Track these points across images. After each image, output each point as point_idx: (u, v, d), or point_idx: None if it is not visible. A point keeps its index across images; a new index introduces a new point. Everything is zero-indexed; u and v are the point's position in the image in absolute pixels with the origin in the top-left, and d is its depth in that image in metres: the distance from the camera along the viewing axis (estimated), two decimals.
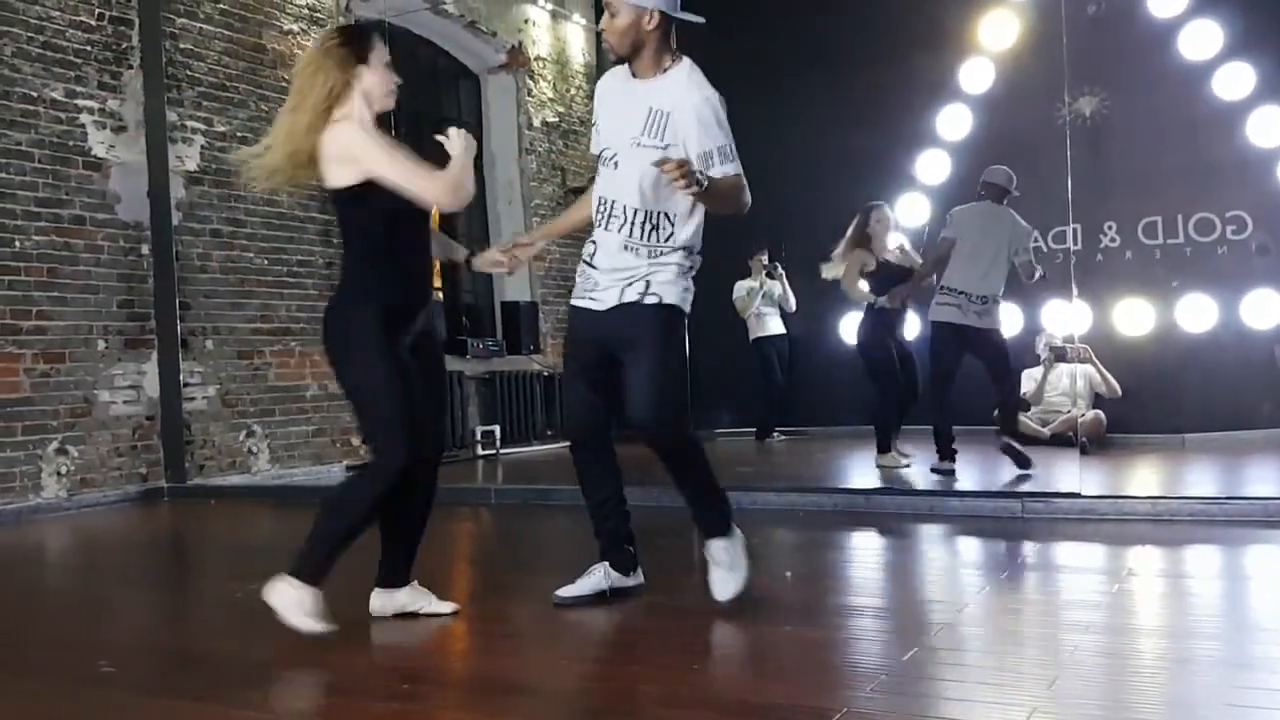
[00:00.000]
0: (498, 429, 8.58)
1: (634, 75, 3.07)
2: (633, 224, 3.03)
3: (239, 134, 7.19)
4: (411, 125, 9.17)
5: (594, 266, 3.15)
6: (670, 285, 3.07)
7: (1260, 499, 4.63)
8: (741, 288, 8.68)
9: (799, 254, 8.67)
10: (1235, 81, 7.67)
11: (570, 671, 2.62)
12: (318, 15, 7.81)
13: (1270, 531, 4.15)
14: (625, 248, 3.06)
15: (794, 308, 8.71)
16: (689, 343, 6.98)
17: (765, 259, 8.60)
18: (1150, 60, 7.81)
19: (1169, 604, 3.24)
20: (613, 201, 3.07)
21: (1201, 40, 7.77)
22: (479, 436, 8.48)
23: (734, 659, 2.57)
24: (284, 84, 7.48)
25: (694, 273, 3.17)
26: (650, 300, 3.05)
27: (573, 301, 3.22)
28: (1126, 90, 7.85)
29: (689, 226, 3.10)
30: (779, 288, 8.57)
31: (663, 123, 2.97)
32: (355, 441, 7.79)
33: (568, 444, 3.35)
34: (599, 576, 3.25)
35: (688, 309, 3.16)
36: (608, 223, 3.09)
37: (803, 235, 8.40)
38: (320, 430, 7.60)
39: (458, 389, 8.49)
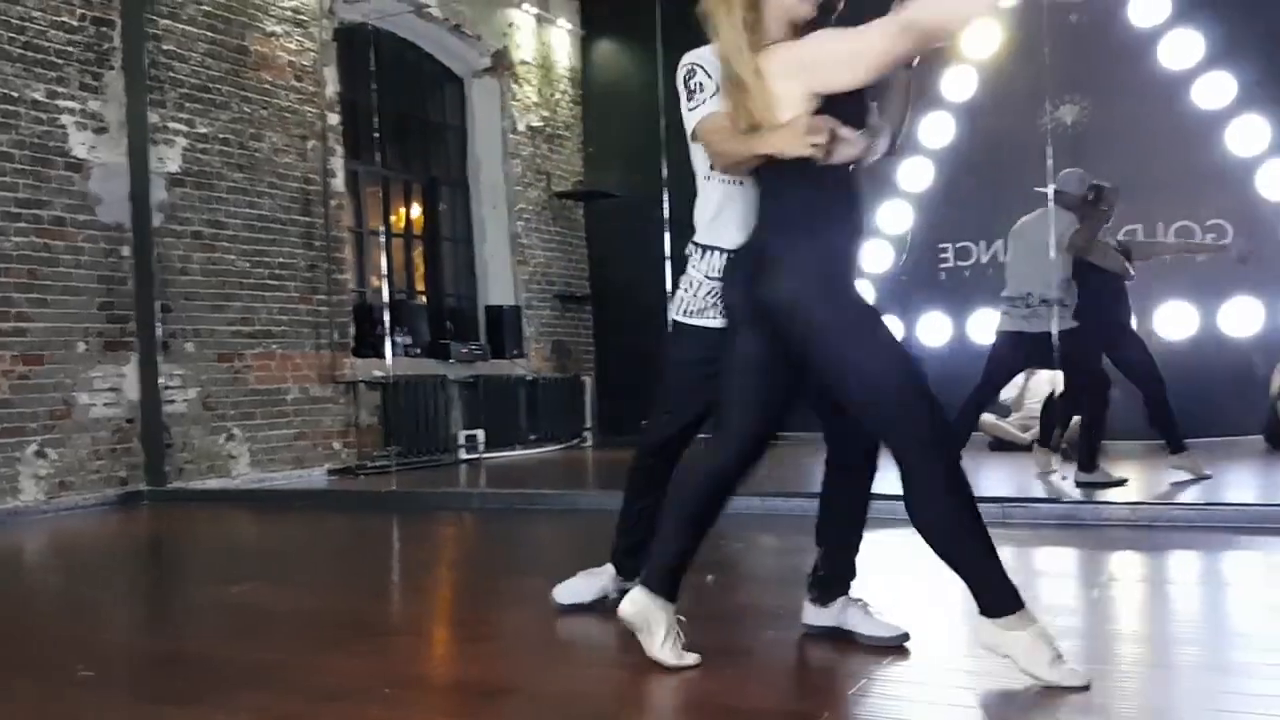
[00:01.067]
0: (481, 433, 8.57)
1: None
2: None
3: (221, 136, 7.16)
4: (395, 128, 9.17)
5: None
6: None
7: (1239, 505, 4.67)
8: None
9: None
10: (1215, 90, 7.74)
11: (555, 675, 2.61)
12: (301, 17, 7.79)
13: (1249, 537, 4.18)
14: None
15: None
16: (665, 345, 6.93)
17: None
18: (1131, 69, 7.88)
19: (1149, 609, 3.26)
20: None
21: (1182, 49, 7.84)
22: (462, 440, 8.46)
23: (719, 664, 2.57)
24: (267, 86, 7.48)
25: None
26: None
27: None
28: (1108, 98, 7.91)
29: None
30: None
31: None
32: (336, 445, 7.77)
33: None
34: (606, 580, 3.16)
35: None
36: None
37: None
38: (301, 434, 7.57)
39: (441, 392, 8.47)
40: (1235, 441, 7.25)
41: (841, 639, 2.68)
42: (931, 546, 2.37)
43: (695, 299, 2.87)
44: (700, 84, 2.70)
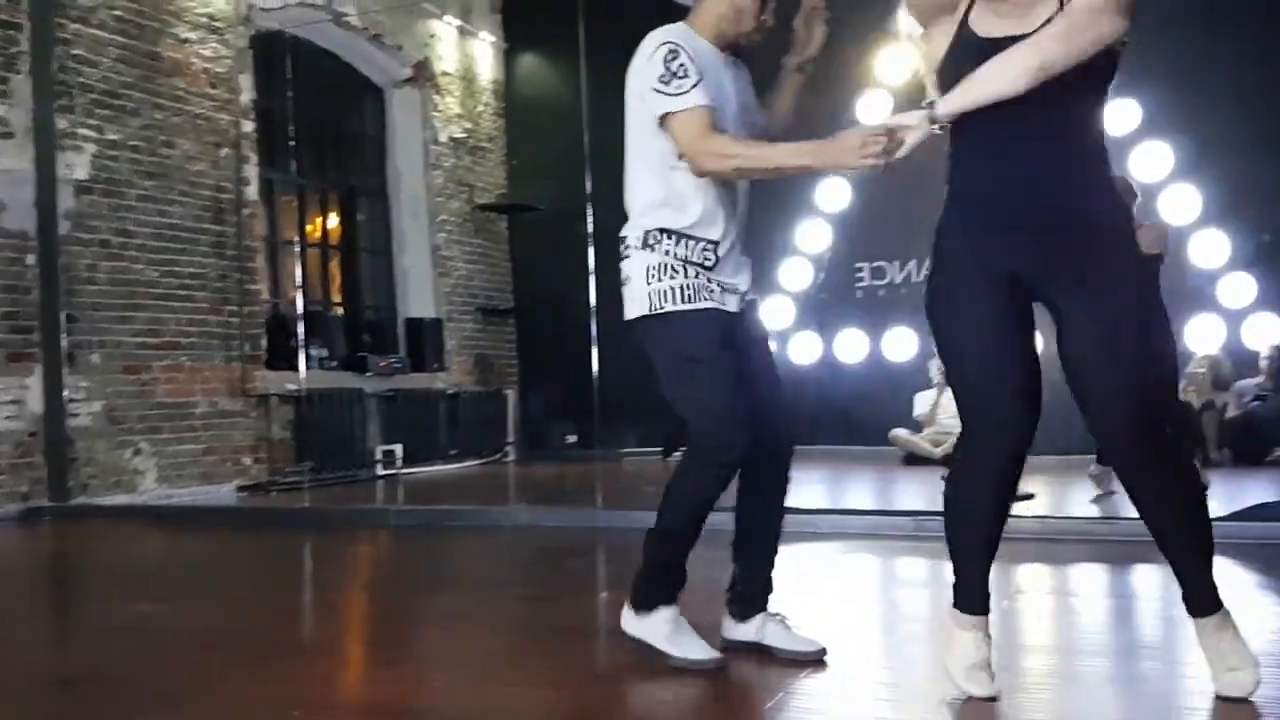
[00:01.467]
0: (399, 448, 8.44)
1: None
2: None
3: (131, 143, 6.97)
4: (313, 136, 9.03)
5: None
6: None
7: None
8: None
9: None
10: (1123, 116, 8.01)
11: (470, 696, 2.58)
12: (216, 24, 7.63)
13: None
14: None
15: None
16: (595, 358, 6.89)
17: None
18: None
19: (1056, 622, 3.34)
20: None
21: None
22: (379, 456, 8.32)
23: (636, 681, 2.56)
24: (180, 92, 7.30)
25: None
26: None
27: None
28: None
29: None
30: None
31: None
32: (247, 461, 7.59)
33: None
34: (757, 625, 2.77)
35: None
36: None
37: None
38: (210, 449, 7.37)
39: (357, 406, 8.33)
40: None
41: (760, 653, 2.69)
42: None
43: (690, 285, 2.59)
44: (684, 67, 2.54)
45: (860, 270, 8.96)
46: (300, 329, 7.86)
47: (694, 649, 2.61)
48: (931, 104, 2.30)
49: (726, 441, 2.54)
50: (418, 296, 9.60)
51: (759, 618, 2.73)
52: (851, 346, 8.95)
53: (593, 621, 3.35)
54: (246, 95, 7.81)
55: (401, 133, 9.65)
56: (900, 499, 6.07)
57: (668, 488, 2.66)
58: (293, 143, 8.23)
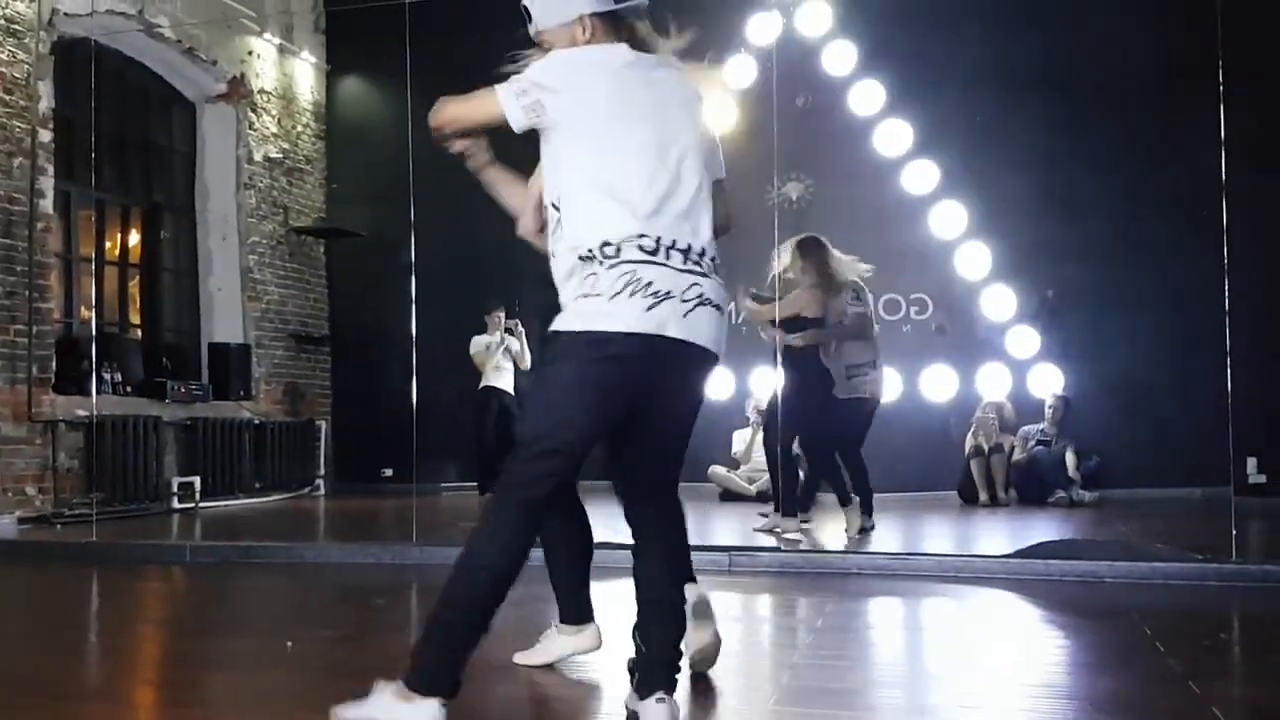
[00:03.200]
0: (198, 480, 8.01)
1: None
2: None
3: None
4: (116, 149, 8.55)
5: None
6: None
7: (936, 555, 5.07)
8: (479, 342, 8.59)
9: (533, 311, 8.74)
10: (921, 176, 8.53)
11: None
12: (15, 27, 7.15)
13: (945, 585, 4.55)
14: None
15: (529, 365, 8.74)
16: (415, 394, 6.71)
17: (503, 315, 8.59)
18: (850, 152, 8.55)
19: (854, 653, 3.47)
20: None
21: (893, 137, 8.60)
22: (175, 488, 7.86)
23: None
24: None
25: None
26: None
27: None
28: (828, 178, 8.56)
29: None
30: (516, 344, 8.60)
31: None
32: (30, 490, 7.04)
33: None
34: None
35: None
36: None
37: (536, 293, 8.47)
38: None
39: (153, 435, 7.87)
40: (934, 496, 7.92)
41: (568, 694, 2.67)
42: None
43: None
44: None
45: None
46: (93, 351, 7.38)
47: None
48: None
49: None
50: (224, 320, 9.18)
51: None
52: None
53: (400, 663, 3.25)
54: (46, 103, 7.34)
55: (213, 149, 9.26)
56: (716, 534, 6.19)
57: None
58: (94, 154, 7.75)
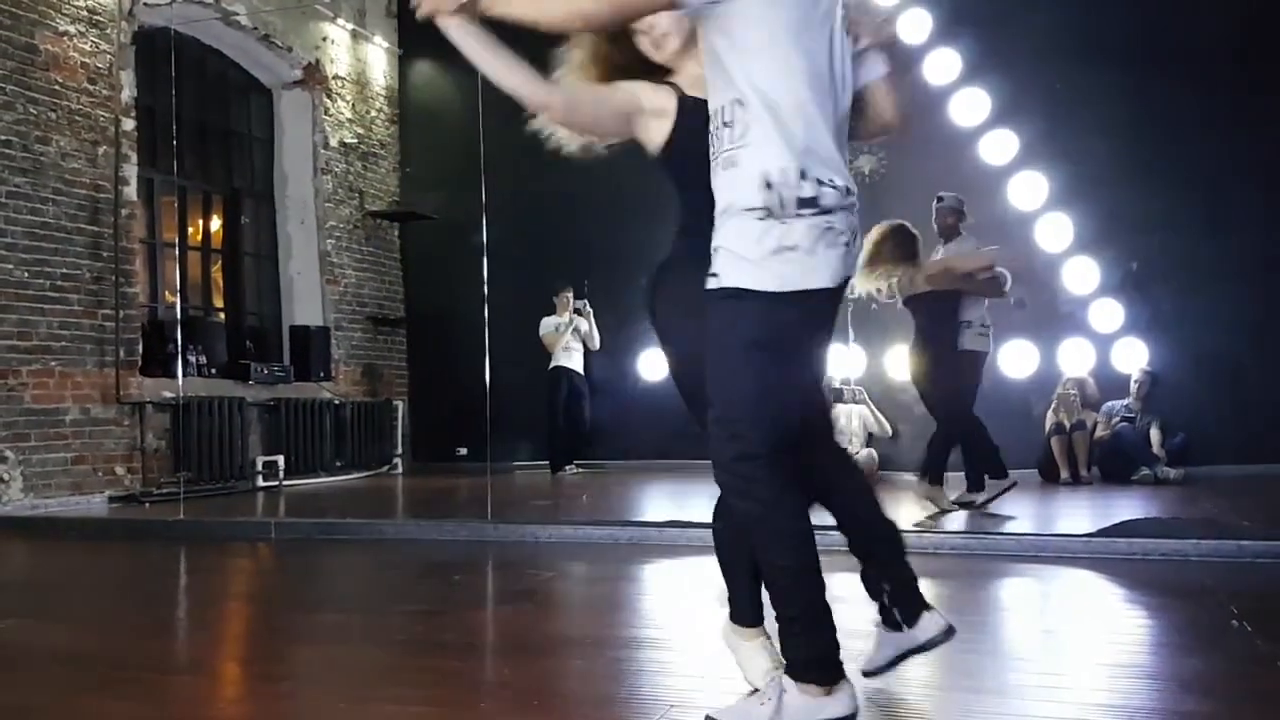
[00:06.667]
0: (281, 459, 8.22)
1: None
2: None
3: (3, 138, 6.65)
4: (197, 137, 8.75)
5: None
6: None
7: (1016, 534, 4.97)
8: (549, 324, 8.70)
9: (601, 292, 8.78)
10: (1000, 147, 8.33)
11: (348, 714, 2.52)
12: (98, 18, 7.35)
13: (1025, 565, 4.47)
14: None
15: (598, 346, 8.81)
16: (488, 374, 6.76)
17: (572, 296, 8.67)
18: (925, 123, 8.37)
19: None
20: None
21: (970, 107, 8.41)
22: (260, 467, 8.09)
23: (524, 695, 2.53)
24: (56, 87, 7.01)
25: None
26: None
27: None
28: (902, 150, 8.39)
29: None
30: (585, 325, 8.65)
31: None
32: (120, 470, 7.29)
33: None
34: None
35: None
36: None
37: (604, 274, 8.51)
38: (80, 458, 7.06)
39: (238, 416, 8.09)
40: (1014, 475, 7.77)
41: (626, 671, 2.69)
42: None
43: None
44: None
45: None
46: (178, 334, 7.60)
47: None
48: None
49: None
50: (304, 303, 9.38)
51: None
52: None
53: (479, 638, 3.31)
54: (128, 92, 7.54)
55: (290, 135, 9.44)
56: None
57: None
58: (175, 142, 7.96)
